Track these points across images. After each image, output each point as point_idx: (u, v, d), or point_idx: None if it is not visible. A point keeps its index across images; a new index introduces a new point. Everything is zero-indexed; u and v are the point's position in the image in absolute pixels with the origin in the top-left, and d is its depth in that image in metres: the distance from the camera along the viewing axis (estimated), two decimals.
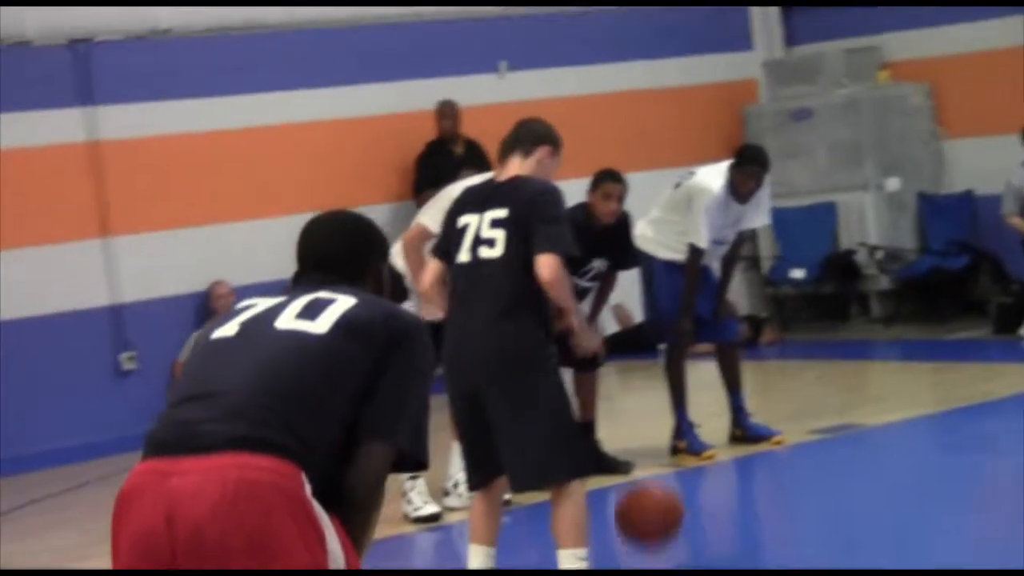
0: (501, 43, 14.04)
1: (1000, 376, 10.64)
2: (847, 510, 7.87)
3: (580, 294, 8.67)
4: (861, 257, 14.12)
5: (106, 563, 3.66)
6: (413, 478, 8.27)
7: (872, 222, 14.15)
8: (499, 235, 6.27)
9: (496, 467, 6.27)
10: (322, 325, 3.70)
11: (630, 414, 11.17)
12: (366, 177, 13.21)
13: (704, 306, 9.37)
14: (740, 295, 13.84)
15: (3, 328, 11.69)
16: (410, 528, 8.26)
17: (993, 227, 13.36)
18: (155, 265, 12.31)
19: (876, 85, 14.52)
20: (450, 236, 6.47)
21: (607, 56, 14.51)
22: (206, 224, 12.59)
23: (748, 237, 11.29)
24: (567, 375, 8.46)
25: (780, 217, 13.11)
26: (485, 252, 6.28)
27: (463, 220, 6.42)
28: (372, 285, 3.95)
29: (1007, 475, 8.21)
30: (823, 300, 14.48)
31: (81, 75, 12.16)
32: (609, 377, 11.96)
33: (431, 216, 7.97)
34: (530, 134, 6.52)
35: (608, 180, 8.97)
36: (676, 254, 9.27)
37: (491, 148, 6.94)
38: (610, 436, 9.31)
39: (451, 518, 8.31)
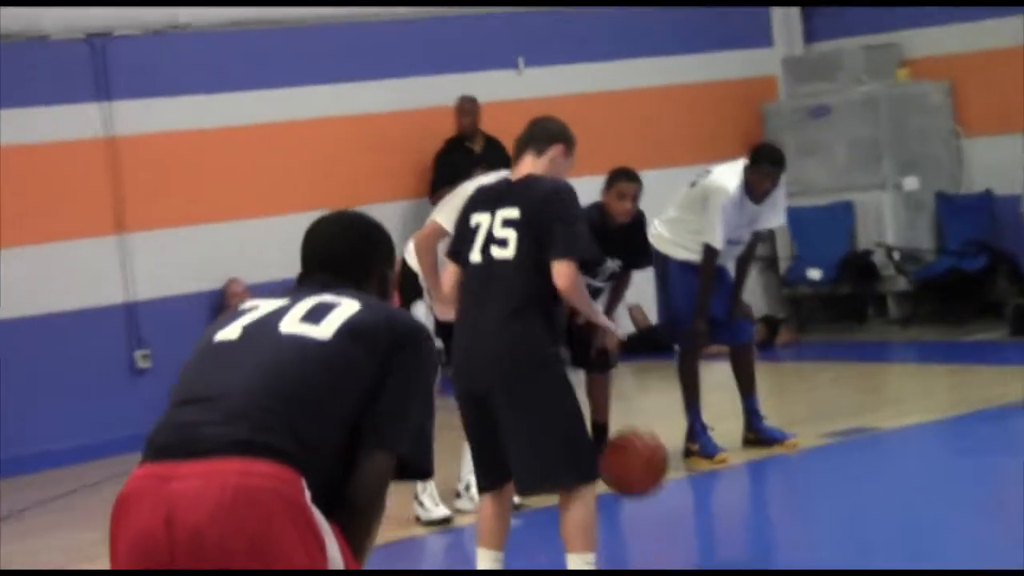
0: (520, 39, 13.99)
1: (1017, 379, 10.56)
2: (862, 513, 7.82)
3: (594, 293, 8.62)
4: (878, 258, 14.04)
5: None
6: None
7: (890, 222, 14.08)
8: (511, 235, 6.22)
9: (506, 470, 6.22)
10: (326, 330, 3.67)
11: (646, 415, 11.09)
12: (384, 174, 13.16)
13: (719, 307, 9.30)
14: (757, 296, 13.80)
15: (18, 325, 11.68)
16: (420, 531, 8.22)
17: (1012, 228, 13.28)
18: (170, 262, 12.29)
19: (895, 83, 14.44)
20: (463, 235, 6.43)
21: (625, 52, 14.45)
22: (222, 221, 12.57)
23: (764, 238, 11.23)
24: (579, 377, 8.45)
25: (797, 216, 13.08)
26: (497, 252, 6.23)
27: (476, 219, 6.37)
28: (377, 286, 3.92)
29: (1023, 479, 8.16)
30: (840, 301, 14.41)
31: (98, 70, 12.15)
32: (625, 378, 11.91)
33: (445, 214, 7.92)
34: (543, 132, 6.47)
35: (623, 179, 8.87)
36: (691, 254, 9.20)
37: (509, 145, 6.90)
38: None
39: (462, 521, 8.26)
